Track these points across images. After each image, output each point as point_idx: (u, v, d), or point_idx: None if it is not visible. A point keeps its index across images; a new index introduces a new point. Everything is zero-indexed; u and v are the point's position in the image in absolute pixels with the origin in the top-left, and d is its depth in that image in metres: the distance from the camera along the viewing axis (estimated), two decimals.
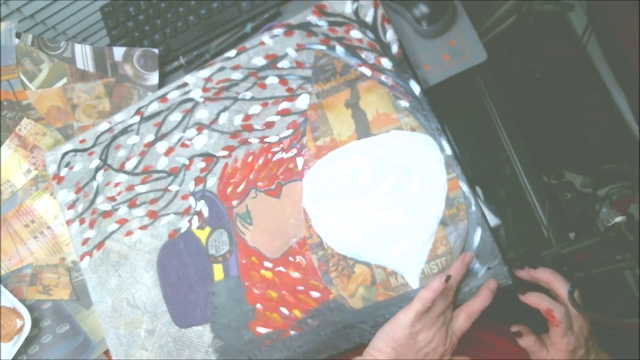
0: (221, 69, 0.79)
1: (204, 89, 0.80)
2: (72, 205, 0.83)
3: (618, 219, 0.67)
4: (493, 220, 0.73)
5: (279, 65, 0.77)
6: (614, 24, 1.09)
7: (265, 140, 0.76)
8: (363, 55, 0.74)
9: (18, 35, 0.93)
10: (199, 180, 0.78)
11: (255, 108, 0.77)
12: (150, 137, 0.81)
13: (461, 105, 0.81)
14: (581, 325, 0.66)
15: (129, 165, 0.81)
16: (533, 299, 0.67)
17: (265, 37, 0.78)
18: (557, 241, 0.74)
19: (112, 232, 0.81)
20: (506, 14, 1.14)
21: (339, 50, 0.75)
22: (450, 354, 0.67)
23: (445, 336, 0.66)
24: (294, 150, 0.75)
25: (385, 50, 0.74)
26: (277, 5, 0.89)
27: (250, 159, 0.77)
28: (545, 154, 1.03)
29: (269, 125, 0.77)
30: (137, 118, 0.82)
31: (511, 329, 0.69)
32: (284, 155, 0.75)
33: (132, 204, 0.81)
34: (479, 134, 0.79)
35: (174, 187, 0.79)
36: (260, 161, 0.76)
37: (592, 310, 0.64)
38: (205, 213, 0.77)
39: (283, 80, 0.77)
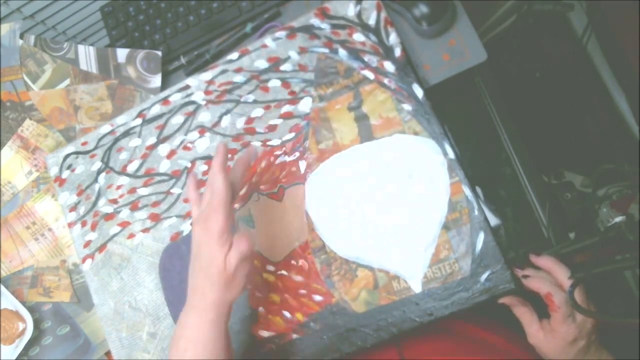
0: (223, 71, 0.79)
1: (206, 92, 0.79)
2: (73, 208, 0.83)
3: (618, 219, 0.67)
4: (493, 220, 0.73)
5: (282, 68, 0.77)
6: (614, 24, 1.09)
7: (268, 143, 0.76)
8: (366, 58, 0.74)
9: (21, 36, 0.92)
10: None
11: (258, 111, 0.77)
12: (152, 140, 0.81)
13: (461, 105, 0.81)
14: (585, 317, 0.66)
15: (131, 168, 0.81)
16: (535, 283, 0.68)
17: (268, 40, 0.78)
18: (557, 241, 0.74)
19: (114, 235, 0.81)
20: (506, 14, 1.13)
21: (342, 53, 0.75)
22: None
23: None
24: (297, 154, 0.75)
25: (388, 53, 0.73)
26: (277, 5, 0.88)
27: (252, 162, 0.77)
28: (545, 154, 1.03)
29: (272, 128, 0.77)
30: (139, 120, 0.82)
31: (499, 301, 0.69)
32: (287, 158, 0.75)
33: (134, 206, 0.80)
34: (479, 134, 0.79)
35: (176, 190, 0.79)
36: (263, 164, 0.76)
37: (592, 310, 0.65)
38: None
39: (286, 84, 0.77)
